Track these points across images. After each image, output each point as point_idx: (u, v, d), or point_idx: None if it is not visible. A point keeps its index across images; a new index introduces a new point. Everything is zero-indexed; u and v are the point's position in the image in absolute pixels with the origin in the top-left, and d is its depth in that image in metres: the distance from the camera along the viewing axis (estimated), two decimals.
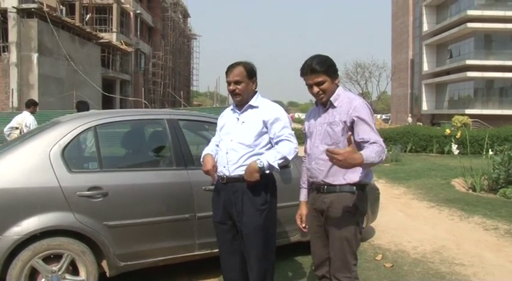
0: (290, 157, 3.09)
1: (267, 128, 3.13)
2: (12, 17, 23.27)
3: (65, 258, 3.44)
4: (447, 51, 43.51)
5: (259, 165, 2.98)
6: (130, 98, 34.36)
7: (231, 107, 3.35)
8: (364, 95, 45.71)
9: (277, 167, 3.04)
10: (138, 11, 39.00)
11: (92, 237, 3.50)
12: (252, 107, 3.20)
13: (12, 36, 23.38)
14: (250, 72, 3.17)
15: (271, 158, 3.01)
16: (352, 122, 2.68)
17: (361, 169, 2.70)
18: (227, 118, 3.35)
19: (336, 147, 2.68)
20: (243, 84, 3.14)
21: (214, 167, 3.19)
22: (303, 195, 3.07)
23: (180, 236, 3.87)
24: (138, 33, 40.03)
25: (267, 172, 3.05)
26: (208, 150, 3.36)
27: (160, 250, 3.81)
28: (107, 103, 31.10)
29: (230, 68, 3.19)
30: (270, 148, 3.15)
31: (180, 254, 3.92)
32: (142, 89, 34.63)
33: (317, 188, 2.84)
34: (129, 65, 37.92)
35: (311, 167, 2.88)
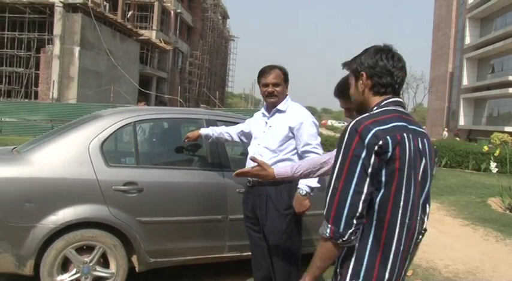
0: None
1: (293, 134, 3.14)
2: (58, 11, 24.02)
3: (97, 250, 3.49)
4: (489, 66, 42.33)
5: (302, 193, 3.05)
6: (166, 96, 34.85)
7: (262, 110, 3.38)
8: None
9: (318, 184, 3.09)
10: (179, 10, 39.58)
11: (125, 231, 3.53)
12: (279, 111, 3.22)
13: (57, 29, 24.13)
14: (286, 76, 3.23)
15: (310, 181, 3.05)
16: None
17: None
18: (257, 121, 3.40)
19: None
20: (281, 87, 3.20)
21: (193, 137, 3.71)
22: None
23: (211, 237, 3.87)
24: (178, 32, 40.61)
25: (308, 190, 3.07)
26: (208, 129, 3.72)
27: (190, 249, 3.81)
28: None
29: (267, 70, 3.23)
30: (295, 154, 3.17)
31: (210, 255, 3.92)
32: (179, 87, 35.03)
33: None
34: (166, 63, 38.50)
35: None
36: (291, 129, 3.13)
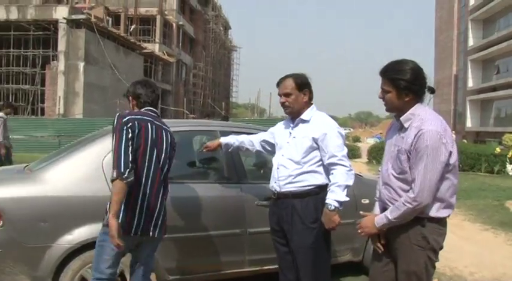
0: (351, 183, 3.01)
1: (317, 144, 3.03)
2: (62, 27, 24.13)
3: None
4: (494, 67, 42.12)
5: (330, 208, 2.93)
6: (171, 108, 34.89)
7: (286, 120, 3.28)
8: None
9: (347, 198, 2.98)
10: (181, 23, 39.73)
11: None
12: (303, 121, 3.12)
13: (61, 45, 24.24)
14: (300, 85, 3.10)
15: (338, 196, 2.94)
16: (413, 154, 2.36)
17: (435, 201, 2.40)
18: (281, 131, 3.29)
19: (404, 178, 2.42)
20: (293, 96, 3.10)
21: (213, 146, 3.53)
22: (377, 209, 2.72)
23: (230, 251, 3.74)
24: (180, 44, 40.76)
25: (339, 202, 2.96)
26: (230, 137, 3.55)
27: (209, 266, 3.69)
28: None
29: (281, 81, 3.17)
30: (321, 165, 3.06)
31: (230, 270, 3.80)
32: (184, 99, 35.06)
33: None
34: (170, 76, 38.58)
35: (380, 190, 2.61)
36: (314, 140, 3.02)
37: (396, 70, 2.42)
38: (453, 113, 50.26)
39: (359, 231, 2.61)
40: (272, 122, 18.08)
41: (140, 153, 2.78)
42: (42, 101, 25.17)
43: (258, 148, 3.49)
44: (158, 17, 35.64)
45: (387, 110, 2.56)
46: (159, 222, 2.92)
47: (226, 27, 59.05)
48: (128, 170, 2.64)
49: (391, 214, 2.39)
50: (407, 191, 2.40)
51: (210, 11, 48.49)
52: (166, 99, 37.75)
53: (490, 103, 42.21)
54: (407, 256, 2.45)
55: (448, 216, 2.50)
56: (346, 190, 2.97)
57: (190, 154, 4.31)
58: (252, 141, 3.51)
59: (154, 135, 2.85)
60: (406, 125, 2.44)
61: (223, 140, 3.54)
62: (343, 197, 2.95)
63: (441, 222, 2.45)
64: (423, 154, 2.29)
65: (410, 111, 2.43)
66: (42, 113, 25.12)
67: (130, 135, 2.73)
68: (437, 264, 5.06)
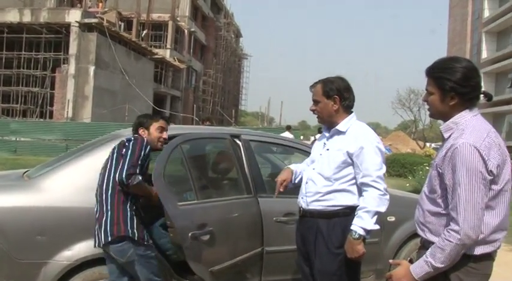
0: (383, 209, 2.62)
1: (351, 160, 2.68)
2: (74, 31, 24.09)
3: None
4: (508, 80, 41.62)
5: (354, 236, 2.57)
6: (180, 114, 34.74)
7: (324, 129, 2.94)
8: (416, 122, 44.30)
9: (376, 226, 2.62)
10: (193, 29, 39.71)
11: None
12: (338, 132, 2.77)
13: (73, 49, 24.21)
14: (327, 91, 2.75)
15: (365, 223, 2.58)
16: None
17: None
18: (318, 142, 2.95)
19: (433, 198, 2.02)
20: (321, 104, 2.78)
21: (285, 181, 2.87)
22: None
23: (246, 273, 3.39)
24: (191, 50, 40.70)
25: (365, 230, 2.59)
26: (295, 165, 3.02)
27: None
28: None
29: (313, 85, 2.85)
30: (354, 184, 2.70)
31: None
32: (193, 105, 34.91)
33: (421, 241, 2.18)
34: (180, 82, 38.48)
35: (415, 214, 2.19)
36: (349, 154, 2.66)
37: (443, 68, 2.02)
38: None
39: None
40: (281, 130, 17.70)
41: None
42: (51, 104, 25.09)
43: None
44: (170, 23, 35.60)
45: (431, 115, 2.17)
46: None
47: (238, 35, 59.02)
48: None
49: (435, 259, 1.89)
50: (435, 215, 2.01)
51: (222, 19, 48.47)
52: (176, 106, 37.63)
53: (502, 117, 41.63)
54: None
55: (490, 254, 1.99)
56: (375, 216, 2.60)
57: (205, 163, 3.97)
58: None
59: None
60: (445, 136, 2.04)
61: (294, 168, 3.01)
62: (371, 225, 2.59)
63: (476, 259, 1.95)
64: (460, 175, 1.86)
65: (453, 119, 2.02)
66: (51, 116, 25.03)
67: None
68: None
